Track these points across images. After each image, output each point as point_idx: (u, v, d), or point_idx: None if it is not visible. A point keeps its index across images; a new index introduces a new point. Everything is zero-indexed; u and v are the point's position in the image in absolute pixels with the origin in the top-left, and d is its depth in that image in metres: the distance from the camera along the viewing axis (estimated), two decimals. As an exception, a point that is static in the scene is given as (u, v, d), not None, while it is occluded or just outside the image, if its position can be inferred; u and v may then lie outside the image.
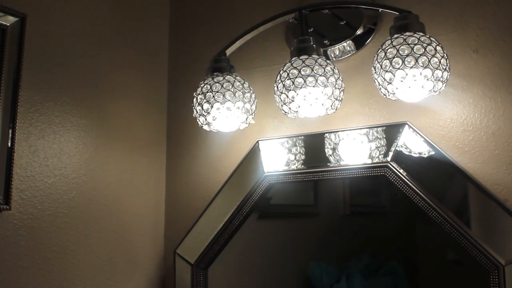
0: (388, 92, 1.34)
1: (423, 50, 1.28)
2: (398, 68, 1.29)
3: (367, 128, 1.56)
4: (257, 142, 1.74)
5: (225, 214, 1.74)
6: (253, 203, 1.72)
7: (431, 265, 1.52)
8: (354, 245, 1.64)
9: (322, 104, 1.40)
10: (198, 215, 1.80)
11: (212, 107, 1.52)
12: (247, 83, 1.57)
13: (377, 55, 1.35)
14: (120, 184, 1.78)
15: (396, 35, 1.33)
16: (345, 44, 1.65)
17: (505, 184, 1.39)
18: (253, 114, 1.58)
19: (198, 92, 1.56)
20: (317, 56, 1.41)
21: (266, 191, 1.71)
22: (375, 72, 1.35)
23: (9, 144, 1.45)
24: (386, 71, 1.31)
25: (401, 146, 1.50)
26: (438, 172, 1.47)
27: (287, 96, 1.41)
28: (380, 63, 1.33)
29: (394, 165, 1.49)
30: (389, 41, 1.33)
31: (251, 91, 1.57)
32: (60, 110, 1.60)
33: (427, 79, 1.29)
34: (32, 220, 1.51)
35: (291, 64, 1.41)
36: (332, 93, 1.40)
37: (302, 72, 1.39)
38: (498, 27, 1.45)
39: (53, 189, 1.57)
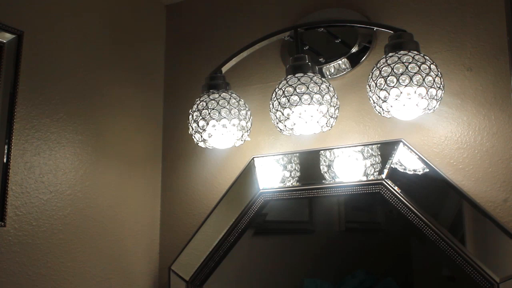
0: (382, 110, 1.35)
1: (418, 68, 1.29)
2: (393, 87, 1.30)
3: (362, 145, 1.57)
4: (253, 159, 1.74)
5: (221, 230, 1.74)
6: (248, 220, 1.72)
7: (426, 282, 1.52)
8: (349, 261, 1.64)
9: (317, 122, 1.40)
10: (193, 231, 1.80)
11: (207, 124, 1.53)
12: (242, 100, 1.58)
13: (372, 73, 1.36)
14: (115, 201, 1.78)
15: (390, 54, 1.34)
16: (340, 62, 1.66)
17: (499, 201, 1.39)
18: (249, 131, 1.58)
19: (194, 109, 1.57)
20: (312, 74, 1.42)
21: (262, 208, 1.71)
22: (370, 90, 1.36)
23: (5, 160, 1.45)
24: (381, 89, 1.32)
25: (396, 164, 1.51)
26: (432, 190, 1.47)
27: (283, 114, 1.42)
28: (375, 81, 1.34)
29: (389, 182, 1.50)
30: (384, 59, 1.34)
31: (247, 109, 1.58)
32: (56, 127, 1.61)
33: (422, 97, 1.29)
34: (27, 236, 1.50)
35: (287, 82, 1.42)
36: (327, 110, 1.40)
37: (298, 90, 1.39)
38: (492, 45, 1.47)
39: (48, 205, 1.57)
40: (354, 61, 1.65)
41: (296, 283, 1.71)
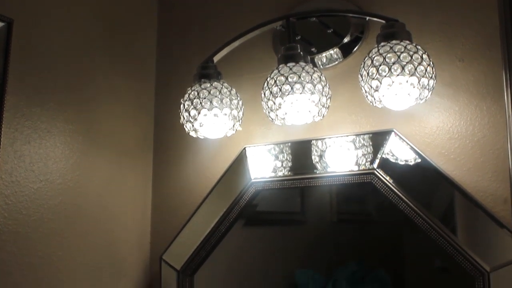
0: (374, 99, 1.35)
1: (410, 58, 1.29)
2: (385, 76, 1.30)
3: (353, 135, 1.57)
4: (244, 149, 1.74)
5: (212, 220, 1.74)
6: (239, 210, 1.72)
7: (417, 272, 1.52)
8: (341, 252, 1.64)
9: (309, 111, 1.40)
10: (185, 221, 1.80)
11: (199, 113, 1.53)
12: (234, 89, 1.58)
13: (364, 63, 1.36)
14: (106, 190, 1.77)
15: (382, 43, 1.34)
16: (332, 52, 1.66)
17: (490, 191, 1.40)
18: (240, 121, 1.58)
19: (185, 98, 1.57)
20: (304, 64, 1.42)
21: (253, 198, 1.71)
22: (362, 80, 1.36)
23: (-6, 149, 1.44)
24: (373, 78, 1.32)
25: (387, 154, 1.51)
26: (424, 179, 1.48)
27: (274, 103, 1.41)
28: (367, 71, 1.34)
29: (380, 172, 1.50)
30: (376, 49, 1.34)
31: (238, 98, 1.58)
32: (46, 116, 1.60)
33: (414, 87, 1.30)
34: (17, 225, 1.50)
35: (278, 71, 1.42)
36: (319, 100, 1.40)
37: (289, 79, 1.39)
38: (484, 37, 1.47)
39: (39, 194, 1.56)
40: (346, 51, 1.65)
41: (287, 274, 1.71)
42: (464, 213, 1.42)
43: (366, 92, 1.36)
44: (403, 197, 1.45)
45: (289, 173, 1.66)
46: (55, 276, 1.59)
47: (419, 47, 1.32)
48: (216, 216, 1.74)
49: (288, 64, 1.42)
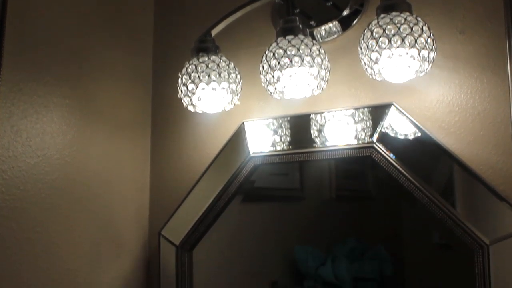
0: (374, 72, 1.34)
1: (410, 30, 1.27)
2: (385, 48, 1.28)
3: (353, 109, 1.56)
4: (243, 123, 1.73)
5: (210, 195, 1.74)
6: (238, 184, 1.71)
7: (416, 248, 1.52)
8: (340, 229, 1.64)
9: (308, 85, 1.39)
10: (183, 196, 1.79)
11: (197, 87, 1.52)
12: (232, 63, 1.57)
13: (364, 35, 1.34)
14: (104, 165, 1.77)
15: (382, 15, 1.32)
16: (331, 25, 1.64)
17: (490, 164, 1.39)
18: (239, 95, 1.57)
19: (183, 72, 1.56)
20: (303, 36, 1.41)
21: (252, 172, 1.70)
22: (362, 52, 1.35)
23: (-9, 124, 1.44)
24: (373, 50, 1.30)
25: (387, 127, 1.50)
26: (423, 153, 1.47)
27: (273, 76, 1.40)
28: (367, 43, 1.32)
29: (380, 145, 1.49)
30: (376, 21, 1.32)
31: (237, 72, 1.57)
32: (43, 90, 1.58)
33: (414, 59, 1.28)
34: (14, 201, 1.49)
35: (277, 44, 1.41)
36: (318, 73, 1.39)
37: (288, 52, 1.38)
38: (485, 9, 1.45)
39: (36, 169, 1.55)
40: (346, 24, 1.63)
41: (286, 250, 1.71)
42: (464, 186, 1.42)
43: (365, 64, 1.35)
44: (402, 170, 1.45)
45: (288, 147, 1.65)
46: (53, 251, 1.59)
47: (419, 19, 1.30)
48: (214, 191, 1.73)
49: (286, 37, 1.40)
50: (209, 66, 1.52)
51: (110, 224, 1.78)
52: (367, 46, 1.32)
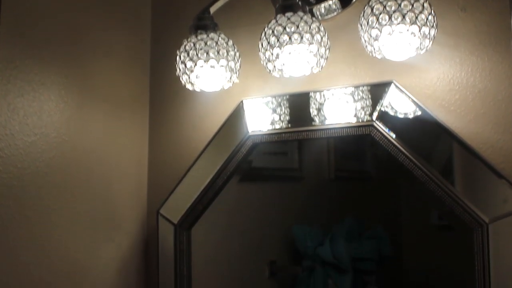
0: (374, 49, 1.33)
1: (411, 6, 1.26)
2: (385, 25, 1.27)
3: (352, 87, 1.54)
4: (242, 101, 1.71)
5: (209, 174, 1.73)
6: (237, 163, 1.70)
7: (415, 228, 1.52)
8: (339, 209, 1.64)
9: (307, 62, 1.38)
10: (182, 175, 1.79)
11: (195, 65, 1.51)
12: (231, 41, 1.56)
13: (364, 12, 1.33)
14: (102, 144, 1.76)
15: (383, -9, 1.31)
16: (331, 2, 1.62)
17: (490, 143, 1.38)
18: (237, 73, 1.56)
19: (181, 50, 1.54)
20: (302, 14, 1.39)
21: (250, 151, 1.69)
22: (362, 29, 1.34)
23: (-13, 101, 1.42)
24: (373, 27, 1.29)
25: (387, 106, 1.49)
26: (423, 132, 1.45)
27: (272, 54, 1.39)
28: (367, 20, 1.31)
29: (379, 124, 1.48)
30: (376, -3, 1.31)
31: (235, 49, 1.56)
32: (40, 68, 1.56)
33: (414, 36, 1.27)
34: (12, 179, 1.48)
35: (276, 21, 1.39)
36: (318, 50, 1.38)
37: (287, 29, 1.37)
38: (487, -15, 1.43)
39: (34, 148, 1.54)
40: (346, 1, 1.61)
41: (285, 230, 1.71)
42: (464, 165, 1.41)
43: (365, 42, 1.34)
44: (402, 149, 1.44)
45: (287, 125, 1.64)
46: (51, 229, 1.58)
47: (420, -5, 1.29)
48: (213, 170, 1.72)
49: (286, 14, 1.39)
50: (208, 43, 1.51)
51: (108, 202, 1.77)
52: (367, 23, 1.30)
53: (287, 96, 1.65)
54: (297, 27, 1.36)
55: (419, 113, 1.45)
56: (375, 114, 1.49)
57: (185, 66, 1.52)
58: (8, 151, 1.47)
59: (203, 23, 1.55)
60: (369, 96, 1.52)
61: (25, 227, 1.51)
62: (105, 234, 1.76)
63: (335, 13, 1.62)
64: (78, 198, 1.67)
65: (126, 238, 1.84)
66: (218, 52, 1.51)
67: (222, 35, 1.55)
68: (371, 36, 1.31)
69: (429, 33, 1.28)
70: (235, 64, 1.55)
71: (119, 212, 1.81)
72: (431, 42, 1.30)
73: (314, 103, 1.60)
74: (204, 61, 1.50)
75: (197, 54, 1.51)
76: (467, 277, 1.35)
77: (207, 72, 1.51)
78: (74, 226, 1.65)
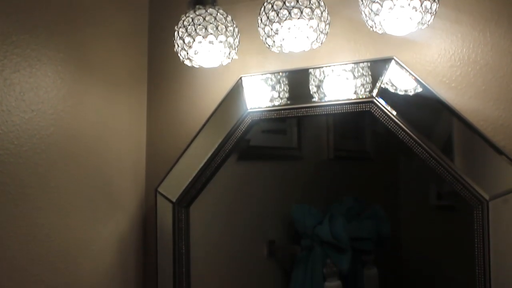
0: (375, 24, 1.31)
1: (412, -20, 1.25)
2: (386, -1, 1.26)
3: (352, 63, 1.53)
4: (240, 78, 1.70)
5: (207, 152, 1.72)
6: (235, 140, 1.69)
7: (414, 207, 1.52)
8: (338, 188, 1.64)
9: (307, 37, 1.37)
10: (180, 153, 1.78)
11: (193, 40, 1.50)
12: (230, 16, 1.54)
13: (365, -14, 1.31)
14: (100, 121, 1.74)
15: (384, -35, 1.29)
16: (331, -23, 1.60)
17: (491, 120, 1.37)
18: (236, 49, 1.55)
19: (180, 25, 1.53)
20: (302, -13, 1.38)
21: (249, 128, 1.68)
22: (362, 4, 1.32)
23: (-17, 76, 1.41)
24: (374, 1, 1.28)
25: (387, 82, 1.47)
26: (424, 108, 1.44)
27: (271, 29, 1.38)
28: (368, -6, 1.29)
29: (380, 100, 1.46)
30: (377, -30, 1.29)
31: (234, 25, 1.54)
32: (36, 43, 1.55)
33: (416, 10, 1.26)
34: (9, 155, 1.47)
35: (276, -5, 1.38)
36: (318, 25, 1.37)
37: (287, 4, 1.35)
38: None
39: (30, 124, 1.53)
40: (346, -24, 1.60)
41: (283, 209, 1.70)
42: (464, 142, 1.40)
43: (366, 16, 1.32)
44: (402, 125, 1.42)
45: (286, 102, 1.62)
46: (49, 207, 1.58)
47: (422, -31, 1.27)
48: (211, 147, 1.71)
49: (285, -12, 1.37)
50: (206, 19, 1.50)
51: (107, 180, 1.77)
52: (368, -3, 1.29)
53: (287, 73, 1.64)
54: (297, 1, 1.35)
55: (419, 89, 1.44)
56: (375, 91, 1.48)
57: (184, 42, 1.51)
58: (4, 127, 1.46)
59: (202, -2, 1.54)
60: (369, 72, 1.50)
61: (22, 204, 1.50)
62: (104, 212, 1.76)
63: (335, -12, 1.61)
64: (76, 175, 1.66)
65: (125, 216, 1.83)
66: (216, 28, 1.49)
67: (221, 11, 1.53)
68: (371, 11, 1.29)
69: (430, 7, 1.27)
70: (234, 40, 1.53)
71: (117, 190, 1.81)
72: (432, 17, 1.29)
73: (313, 80, 1.58)
74: (203, 37, 1.49)
75: (195, 30, 1.49)
76: (466, 255, 1.35)
77: (206, 47, 1.50)
78: (72, 203, 1.64)
